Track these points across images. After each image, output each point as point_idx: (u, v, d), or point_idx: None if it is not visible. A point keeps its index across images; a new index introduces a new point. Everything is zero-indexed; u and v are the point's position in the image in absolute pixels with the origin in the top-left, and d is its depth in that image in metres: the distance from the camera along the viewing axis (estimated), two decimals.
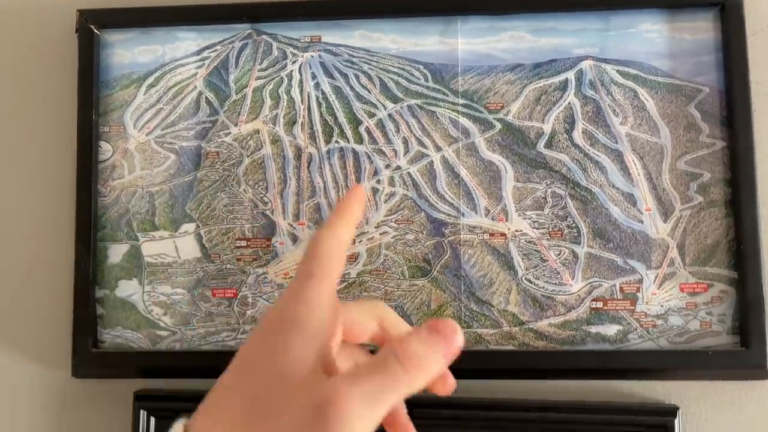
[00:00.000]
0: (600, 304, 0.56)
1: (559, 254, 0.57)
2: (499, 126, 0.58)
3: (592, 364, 0.55)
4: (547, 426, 0.55)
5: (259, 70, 0.60)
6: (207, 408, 0.36)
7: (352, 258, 0.58)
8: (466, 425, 0.56)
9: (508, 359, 0.56)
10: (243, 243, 0.59)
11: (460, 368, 0.55)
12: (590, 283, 0.56)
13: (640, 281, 0.56)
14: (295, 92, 0.60)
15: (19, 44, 0.65)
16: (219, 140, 0.60)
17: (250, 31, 0.61)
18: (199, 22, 0.61)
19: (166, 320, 0.59)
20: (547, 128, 0.58)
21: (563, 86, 0.58)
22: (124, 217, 0.60)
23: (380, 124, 0.59)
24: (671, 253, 0.56)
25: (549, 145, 0.58)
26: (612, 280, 0.56)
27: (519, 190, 0.57)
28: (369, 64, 0.60)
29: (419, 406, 0.56)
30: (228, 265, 0.59)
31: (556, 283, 0.56)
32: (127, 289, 0.59)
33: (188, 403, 0.58)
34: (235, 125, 0.60)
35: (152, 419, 0.58)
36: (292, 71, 0.60)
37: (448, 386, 0.40)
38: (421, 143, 0.59)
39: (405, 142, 0.59)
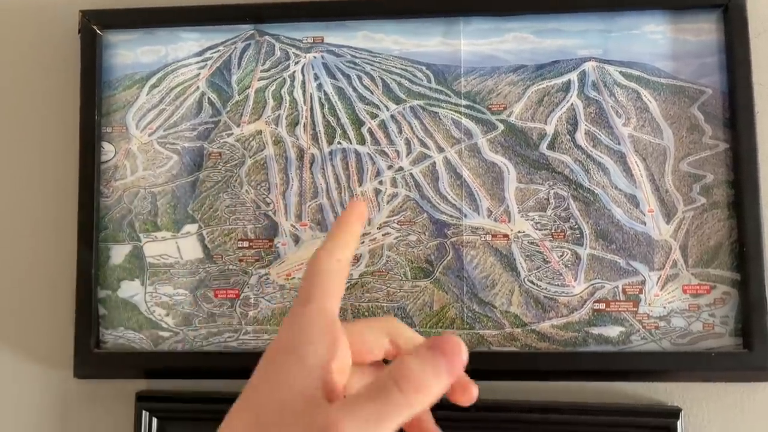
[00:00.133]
0: (602, 306, 0.56)
1: (561, 255, 0.57)
2: (501, 127, 0.58)
3: (594, 366, 0.55)
4: (549, 427, 0.55)
5: (261, 71, 0.60)
6: None
7: (355, 259, 0.58)
8: (468, 426, 0.56)
9: (510, 360, 0.56)
10: (245, 244, 0.59)
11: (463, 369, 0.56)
12: (593, 284, 0.56)
13: (643, 283, 0.56)
14: (298, 93, 0.60)
15: (22, 45, 0.65)
16: (221, 141, 0.60)
17: (252, 31, 0.61)
18: (202, 22, 0.61)
19: (168, 321, 0.59)
20: (549, 129, 0.58)
21: (566, 87, 0.58)
22: (126, 218, 0.60)
23: (383, 125, 0.59)
24: (674, 254, 0.56)
25: (552, 146, 0.58)
26: (614, 281, 0.56)
27: (521, 191, 0.57)
28: (372, 65, 0.60)
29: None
30: (230, 266, 0.59)
31: (558, 285, 0.56)
32: (130, 289, 0.59)
33: (190, 404, 0.59)
34: (238, 126, 0.60)
35: (154, 420, 0.58)
36: (294, 72, 0.60)
37: (469, 395, 0.39)
38: (423, 144, 0.59)
39: (407, 143, 0.59)
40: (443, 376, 0.33)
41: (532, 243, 0.57)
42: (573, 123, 0.58)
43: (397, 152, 0.59)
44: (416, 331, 0.56)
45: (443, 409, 0.55)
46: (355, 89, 0.60)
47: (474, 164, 0.58)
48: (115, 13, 0.61)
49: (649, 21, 0.58)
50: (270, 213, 0.59)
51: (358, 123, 0.59)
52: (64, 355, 0.60)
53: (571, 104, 0.58)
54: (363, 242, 0.58)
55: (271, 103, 0.60)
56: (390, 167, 0.59)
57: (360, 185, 0.59)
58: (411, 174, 0.58)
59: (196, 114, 0.60)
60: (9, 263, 0.63)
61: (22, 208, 0.63)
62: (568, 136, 0.58)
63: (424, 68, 0.59)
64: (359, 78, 0.60)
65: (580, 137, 0.57)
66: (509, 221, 0.57)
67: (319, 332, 0.35)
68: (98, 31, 0.61)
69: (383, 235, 0.58)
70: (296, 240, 0.59)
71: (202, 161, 0.60)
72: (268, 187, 0.59)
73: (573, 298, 0.56)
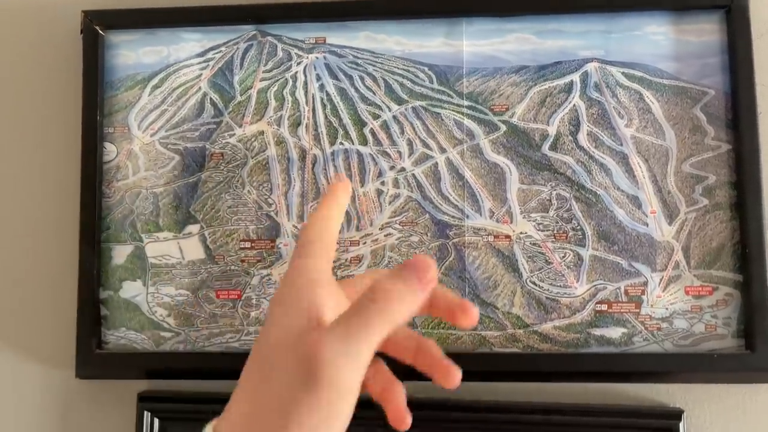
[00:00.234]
0: (605, 307, 0.56)
1: (563, 257, 0.57)
2: (503, 128, 0.58)
3: (596, 367, 0.55)
4: (551, 429, 0.55)
5: (263, 72, 0.60)
6: (230, 400, 0.38)
7: (357, 259, 0.58)
8: (470, 428, 0.56)
9: (512, 362, 0.55)
10: (247, 244, 0.59)
11: (465, 370, 0.56)
12: (595, 285, 0.56)
13: (645, 284, 0.56)
14: (300, 93, 0.60)
15: (24, 45, 0.65)
16: (223, 141, 0.60)
17: (254, 32, 0.61)
18: (204, 23, 0.61)
19: (170, 321, 0.59)
20: (552, 130, 0.58)
21: (568, 88, 0.58)
22: (128, 218, 0.60)
23: (385, 126, 0.59)
24: (676, 255, 0.56)
25: (554, 147, 0.58)
26: (617, 282, 0.56)
27: (524, 192, 0.57)
28: (374, 65, 0.60)
29: (424, 408, 0.56)
30: (232, 267, 0.59)
31: (560, 286, 0.56)
32: (131, 290, 0.59)
33: (192, 405, 0.59)
34: (240, 126, 0.60)
35: (156, 420, 0.58)
36: (296, 72, 0.60)
37: (451, 377, 0.40)
38: (425, 145, 0.59)
39: (409, 143, 0.59)
40: (414, 286, 0.36)
41: (534, 244, 0.57)
42: (575, 124, 0.58)
43: (399, 153, 0.59)
44: (419, 333, 0.56)
45: (445, 410, 0.56)
46: (357, 90, 0.60)
47: (476, 165, 0.58)
48: (117, 14, 0.61)
49: (651, 22, 0.58)
50: (272, 213, 0.59)
51: (360, 123, 0.59)
52: (65, 355, 0.60)
53: (574, 105, 0.58)
54: (365, 243, 0.58)
55: (273, 103, 0.60)
56: (392, 168, 0.59)
57: (362, 186, 0.59)
58: (413, 175, 0.58)
59: (198, 114, 0.60)
60: (11, 263, 0.63)
61: (24, 208, 0.63)
62: (570, 137, 0.58)
63: (426, 69, 0.59)
64: (361, 78, 0.60)
65: (583, 138, 0.57)
66: (511, 222, 0.57)
67: (307, 282, 0.39)
68: (100, 32, 0.61)
69: (385, 235, 0.58)
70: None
71: (204, 162, 0.60)
72: (270, 187, 0.59)
73: (575, 300, 0.56)
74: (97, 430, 0.60)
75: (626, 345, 0.55)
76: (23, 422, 0.61)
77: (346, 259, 0.58)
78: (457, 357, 0.55)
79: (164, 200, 0.60)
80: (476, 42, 0.59)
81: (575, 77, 0.58)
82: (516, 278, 0.57)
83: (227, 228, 0.59)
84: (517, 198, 0.57)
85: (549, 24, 0.59)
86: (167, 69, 0.61)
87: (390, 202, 0.58)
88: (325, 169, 0.59)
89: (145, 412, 0.58)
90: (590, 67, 0.58)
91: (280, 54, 0.60)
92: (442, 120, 0.59)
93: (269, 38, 0.61)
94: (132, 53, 0.61)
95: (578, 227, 0.57)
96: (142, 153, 0.60)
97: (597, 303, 0.56)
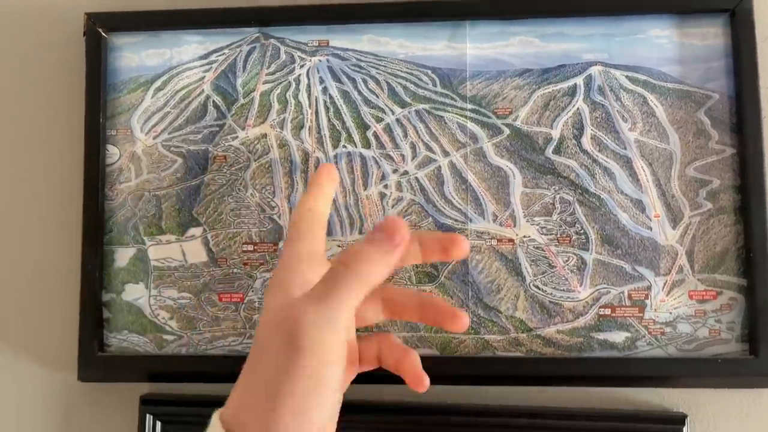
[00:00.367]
0: (608, 311, 0.56)
1: (567, 261, 0.56)
2: (507, 131, 0.58)
3: (599, 372, 0.55)
4: None
5: (266, 74, 0.60)
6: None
7: None
8: None
9: (515, 366, 0.55)
10: (250, 247, 0.59)
11: (468, 374, 0.56)
12: (598, 289, 0.56)
13: (649, 288, 0.56)
14: (303, 96, 0.60)
15: (27, 47, 0.65)
16: (226, 144, 0.60)
17: (257, 34, 0.61)
18: (207, 25, 0.61)
19: (172, 324, 0.59)
20: (555, 134, 0.58)
21: (572, 92, 0.58)
22: (130, 221, 0.60)
23: (388, 129, 0.59)
24: (680, 260, 0.56)
25: (557, 150, 0.57)
26: (620, 286, 0.56)
27: (527, 195, 0.57)
28: (377, 68, 0.60)
29: (427, 412, 0.56)
30: (235, 270, 0.58)
31: (564, 290, 0.56)
32: (134, 292, 0.59)
33: (194, 408, 0.59)
34: (243, 129, 0.60)
35: (158, 423, 0.58)
36: (299, 75, 0.60)
37: (459, 321, 0.40)
38: (428, 148, 0.58)
39: (413, 146, 0.59)
40: (384, 246, 0.36)
41: (537, 248, 0.57)
42: (579, 127, 0.57)
43: (402, 156, 0.59)
44: (422, 335, 0.56)
45: (450, 414, 0.56)
46: (360, 93, 0.59)
47: (479, 168, 0.58)
48: (120, 16, 0.61)
49: (654, 25, 0.58)
50: (275, 216, 0.59)
51: (363, 126, 0.59)
52: (67, 358, 0.60)
53: (577, 108, 0.58)
54: None
55: (276, 106, 0.60)
56: (395, 171, 0.59)
57: (365, 189, 0.58)
58: (416, 178, 0.58)
59: (201, 117, 0.60)
60: (13, 265, 0.63)
61: (27, 210, 0.63)
62: (573, 141, 0.57)
63: (429, 72, 0.59)
64: (364, 81, 0.60)
65: (586, 142, 0.57)
66: (514, 226, 0.57)
67: (295, 263, 0.40)
68: (103, 34, 0.61)
69: None
70: None
71: (206, 164, 0.60)
72: (273, 190, 0.59)
73: (578, 304, 0.56)
74: None
75: (629, 349, 0.55)
76: (25, 425, 0.61)
77: None
78: (460, 361, 0.56)
79: (167, 203, 0.60)
80: (480, 45, 0.59)
81: (579, 80, 0.58)
82: (519, 282, 0.57)
83: (230, 231, 0.59)
84: (521, 201, 0.57)
85: (552, 27, 0.58)
86: (170, 71, 0.61)
87: (393, 206, 0.58)
88: None
89: (147, 416, 0.58)
90: (594, 70, 0.58)
91: (283, 57, 0.60)
92: (446, 123, 0.58)
93: (272, 41, 0.61)
94: (135, 55, 0.61)
95: (582, 231, 0.56)
96: (144, 155, 0.60)
97: (600, 307, 0.56)
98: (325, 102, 0.60)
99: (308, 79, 0.60)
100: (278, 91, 0.60)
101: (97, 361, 0.58)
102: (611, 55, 0.58)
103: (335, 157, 0.59)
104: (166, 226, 0.60)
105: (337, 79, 0.60)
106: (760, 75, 0.56)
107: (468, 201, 0.58)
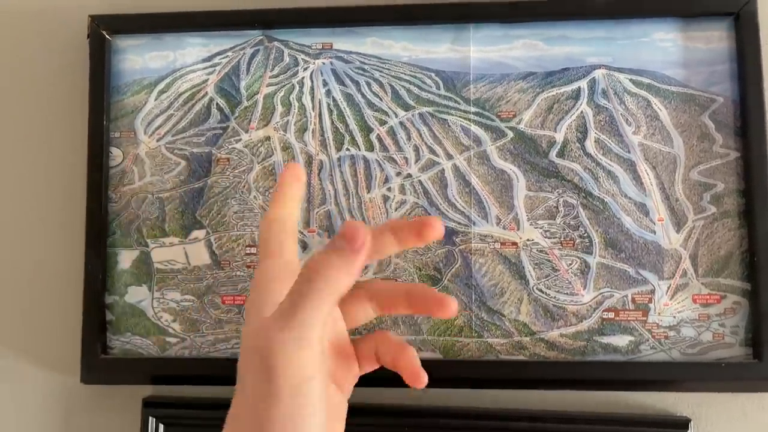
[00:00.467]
0: (612, 315, 0.56)
1: (570, 264, 0.56)
2: (511, 134, 0.58)
3: (603, 375, 0.55)
4: None
5: (270, 77, 0.60)
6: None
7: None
8: None
9: (518, 369, 0.55)
10: (253, 250, 0.58)
11: (471, 377, 0.56)
12: (602, 293, 0.56)
13: (653, 292, 0.55)
14: (306, 99, 0.60)
15: (31, 49, 0.65)
16: (230, 147, 0.60)
17: (261, 37, 0.61)
18: (211, 28, 0.61)
19: (175, 327, 0.59)
20: (559, 137, 0.58)
21: (576, 95, 0.58)
22: (134, 223, 0.60)
23: (391, 132, 0.59)
24: (684, 263, 0.56)
25: (561, 154, 0.57)
26: (624, 290, 0.56)
27: (531, 199, 0.57)
28: (380, 71, 0.59)
29: (429, 416, 0.56)
30: (238, 272, 0.58)
31: (567, 293, 0.56)
32: (137, 295, 0.59)
33: (197, 411, 0.59)
34: (246, 132, 0.60)
35: (161, 426, 0.58)
36: (303, 78, 0.60)
37: (447, 306, 0.39)
38: (432, 151, 0.58)
39: (416, 149, 0.59)
40: (345, 253, 0.35)
41: (541, 251, 0.57)
42: (583, 131, 0.57)
43: (406, 159, 0.59)
44: (425, 338, 0.56)
45: (453, 418, 0.56)
46: (363, 95, 0.59)
47: (483, 171, 0.58)
48: (124, 18, 0.61)
49: (659, 28, 0.58)
50: None
51: (366, 129, 0.59)
52: (70, 360, 0.60)
53: (581, 112, 0.58)
54: None
55: (279, 109, 0.60)
56: (398, 174, 0.58)
57: (368, 192, 0.58)
58: (419, 181, 0.58)
59: (205, 119, 0.60)
60: (16, 267, 0.63)
61: (30, 212, 0.63)
62: (577, 144, 0.57)
63: (433, 75, 0.59)
64: (368, 84, 0.59)
65: (590, 145, 0.57)
66: (518, 229, 0.57)
67: (266, 282, 0.40)
68: (107, 36, 0.61)
69: None
70: (304, 247, 0.58)
71: (210, 167, 0.60)
72: None
73: (582, 307, 0.56)
74: None
75: (633, 353, 0.55)
76: (27, 427, 0.61)
77: None
78: (462, 364, 0.56)
79: (170, 205, 0.60)
80: (483, 48, 0.59)
81: (583, 84, 0.58)
82: (523, 285, 0.56)
83: (233, 233, 0.59)
84: (524, 205, 0.57)
85: (556, 30, 0.58)
86: (174, 74, 0.61)
87: (396, 209, 0.58)
88: (332, 175, 0.59)
89: (150, 418, 0.58)
90: (598, 73, 0.58)
91: (287, 59, 0.60)
92: (449, 126, 0.58)
93: (276, 43, 0.61)
94: (138, 58, 0.61)
95: (585, 234, 0.56)
96: (148, 158, 0.60)
97: (604, 311, 0.56)
98: (328, 105, 0.59)
99: (312, 81, 0.60)
100: (282, 93, 0.60)
101: (99, 363, 0.58)
102: (615, 58, 0.58)
103: (338, 159, 0.59)
104: (170, 229, 0.59)
105: (341, 82, 0.60)
106: (764, 78, 0.56)
107: (471, 204, 0.57)
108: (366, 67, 0.60)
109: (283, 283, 0.39)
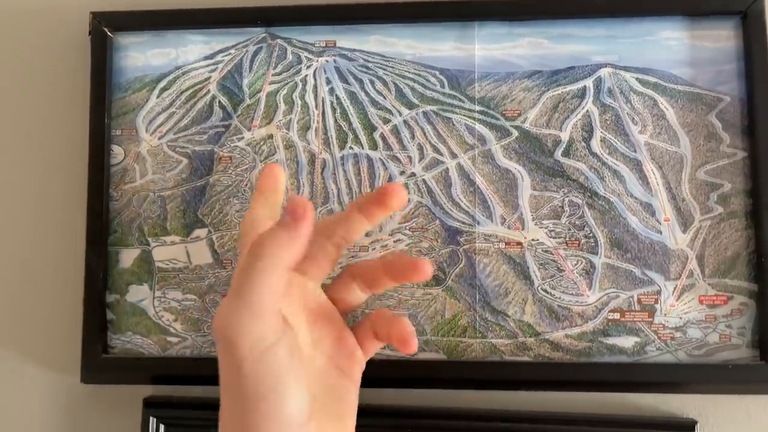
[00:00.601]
0: (617, 316, 0.55)
1: (576, 264, 0.56)
2: (515, 133, 0.57)
3: (608, 377, 0.54)
4: None
5: (273, 75, 0.60)
6: None
7: None
8: None
9: (523, 370, 0.55)
10: None
11: (475, 379, 0.55)
12: (607, 294, 0.55)
13: (659, 293, 0.55)
14: (310, 97, 0.59)
15: (32, 46, 0.64)
16: (232, 145, 0.59)
17: (264, 35, 0.60)
18: (213, 25, 0.60)
19: (176, 326, 0.58)
20: (564, 136, 0.57)
21: (581, 94, 0.57)
22: (135, 222, 0.59)
23: (395, 131, 0.58)
24: (690, 264, 0.55)
25: (566, 153, 0.57)
26: (630, 291, 0.55)
27: (536, 198, 0.57)
28: (384, 69, 0.59)
29: (432, 417, 0.55)
30: None
31: (572, 294, 0.56)
32: (138, 294, 0.59)
33: (198, 411, 0.58)
34: (249, 130, 0.59)
35: (161, 426, 0.57)
36: (306, 76, 0.59)
37: (420, 269, 0.40)
38: (436, 150, 0.58)
39: (420, 148, 0.58)
40: (286, 226, 0.36)
41: (546, 251, 0.56)
42: (588, 130, 0.57)
43: (410, 158, 0.58)
44: (428, 339, 0.56)
45: (456, 420, 0.55)
46: (367, 94, 0.59)
47: (487, 171, 0.57)
48: (126, 15, 0.61)
49: (665, 27, 0.57)
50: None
51: (370, 128, 0.59)
52: (71, 359, 0.60)
53: (587, 111, 0.57)
54: (374, 248, 0.57)
55: (282, 107, 0.59)
56: (402, 173, 0.58)
57: (372, 191, 0.58)
58: (423, 180, 0.58)
59: (207, 117, 0.60)
60: (16, 266, 0.62)
61: (30, 211, 0.63)
62: (583, 143, 0.57)
63: (437, 73, 0.59)
64: (372, 82, 0.59)
65: (596, 144, 0.57)
66: (523, 229, 0.56)
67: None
68: (109, 33, 0.60)
69: (395, 241, 0.57)
70: None
71: (212, 165, 0.59)
72: None
73: (587, 308, 0.55)
74: None
75: (639, 354, 0.55)
76: (27, 427, 0.61)
77: None
78: (466, 365, 0.55)
79: (172, 204, 0.59)
80: (488, 46, 0.58)
81: (588, 82, 0.57)
82: (527, 286, 0.56)
83: (235, 232, 0.58)
84: (529, 204, 0.57)
85: (562, 28, 0.58)
86: (176, 71, 0.60)
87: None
88: (335, 174, 0.58)
89: (151, 418, 0.57)
90: (604, 72, 0.57)
91: (290, 57, 0.60)
92: (453, 125, 0.58)
93: (279, 41, 0.60)
94: (140, 55, 0.61)
95: (591, 234, 0.56)
96: (149, 156, 0.60)
97: (609, 311, 0.55)
98: (331, 103, 0.59)
99: (315, 79, 0.59)
100: (285, 91, 0.60)
101: (100, 363, 0.57)
102: (621, 57, 0.57)
103: (342, 158, 0.58)
104: (171, 227, 0.59)
105: (344, 80, 0.59)
106: None
107: (476, 203, 0.57)
108: (370, 65, 0.59)
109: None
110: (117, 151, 0.60)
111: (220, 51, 0.61)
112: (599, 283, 0.55)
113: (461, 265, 0.56)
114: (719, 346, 0.54)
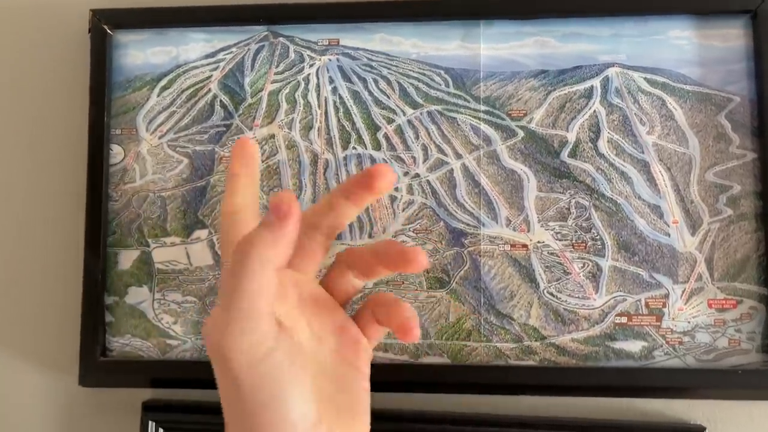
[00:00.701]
0: (624, 320, 0.54)
1: (582, 267, 0.55)
2: (521, 134, 0.56)
3: (615, 382, 0.53)
4: None
5: (275, 74, 0.59)
6: None
7: None
8: None
9: (528, 375, 0.54)
10: None
11: (480, 383, 0.54)
12: (614, 297, 0.54)
13: (667, 296, 0.54)
14: (312, 96, 0.58)
15: (31, 43, 0.63)
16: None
17: (266, 33, 0.59)
18: (215, 23, 0.59)
19: (176, 329, 0.57)
20: (571, 137, 0.56)
21: (588, 94, 0.56)
22: (134, 223, 0.58)
23: (399, 131, 0.58)
24: (699, 267, 0.54)
25: (573, 154, 0.56)
26: (637, 294, 0.54)
27: (542, 200, 0.56)
28: (388, 68, 0.58)
29: (436, 422, 0.55)
30: None
31: (579, 297, 0.55)
32: (137, 296, 0.58)
33: (197, 415, 0.57)
34: (250, 129, 0.59)
35: (161, 430, 0.57)
36: (309, 75, 0.59)
37: (414, 259, 0.37)
38: (440, 150, 0.57)
39: (424, 149, 0.57)
40: (270, 223, 0.34)
41: (552, 254, 0.55)
42: (595, 130, 0.56)
43: (414, 158, 0.57)
44: (432, 342, 0.55)
45: (462, 425, 0.54)
46: (371, 93, 0.58)
47: (493, 171, 0.56)
48: (126, 13, 0.60)
49: (674, 26, 0.56)
50: None
51: (373, 128, 0.58)
52: (69, 362, 0.59)
53: (594, 111, 0.56)
54: None
55: (284, 106, 0.58)
56: (406, 174, 0.57)
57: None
58: (428, 181, 0.57)
59: (208, 117, 0.59)
60: (14, 267, 0.61)
61: (29, 211, 0.62)
62: (590, 144, 0.56)
63: (442, 72, 0.58)
64: (375, 82, 0.58)
65: (603, 145, 0.56)
66: (528, 231, 0.56)
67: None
68: (108, 31, 0.60)
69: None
70: None
71: (213, 165, 0.58)
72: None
73: (594, 311, 0.54)
74: None
75: (646, 359, 0.54)
76: (26, 430, 0.60)
77: None
78: (471, 369, 0.54)
79: (172, 204, 0.58)
80: (494, 45, 0.57)
81: (596, 82, 0.56)
82: (533, 289, 0.55)
83: None
84: (535, 206, 0.56)
85: (569, 27, 0.57)
86: (176, 70, 0.60)
87: (404, 209, 0.57)
88: (338, 174, 0.57)
89: (150, 422, 0.57)
90: (611, 72, 0.56)
91: (292, 55, 0.59)
92: (458, 125, 0.57)
93: (281, 39, 0.59)
94: (140, 53, 0.60)
95: (598, 237, 0.55)
96: (149, 156, 0.59)
97: (616, 315, 0.54)
98: (334, 102, 0.58)
99: (318, 78, 0.59)
100: (287, 90, 0.59)
101: (99, 365, 0.57)
102: (629, 56, 0.56)
103: (345, 158, 0.57)
104: (171, 228, 0.58)
105: (348, 79, 0.58)
106: None
107: (481, 205, 0.56)
108: (373, 63, 0.58)
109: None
110: (116, 150, 0.59)
111: (222, 49, 0.60)
112: (606, 287, 0.55)
113: (466, 268, 0.56)
114: (728, 350, 0.53)
